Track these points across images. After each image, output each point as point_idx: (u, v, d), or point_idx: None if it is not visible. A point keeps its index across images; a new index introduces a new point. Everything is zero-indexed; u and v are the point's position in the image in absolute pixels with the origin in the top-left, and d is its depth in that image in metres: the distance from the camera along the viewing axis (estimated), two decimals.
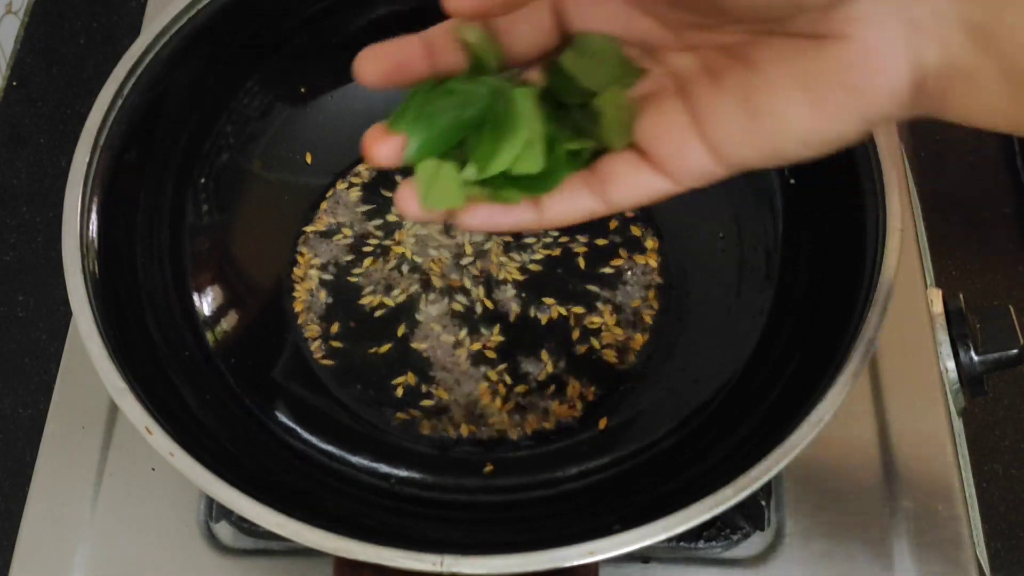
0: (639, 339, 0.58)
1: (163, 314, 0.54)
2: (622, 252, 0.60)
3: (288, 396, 0.56)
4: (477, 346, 0.58)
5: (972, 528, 0.54)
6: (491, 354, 0.57)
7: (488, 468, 0.54)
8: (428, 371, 0.57)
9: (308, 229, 0.61)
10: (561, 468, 0.53)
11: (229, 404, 0.54)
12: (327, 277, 0.60)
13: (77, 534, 0.55)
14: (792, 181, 0.56)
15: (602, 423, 0.55)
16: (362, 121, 0.63)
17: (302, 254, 0.61)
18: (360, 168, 0.63)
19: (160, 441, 0.43)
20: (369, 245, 0.61)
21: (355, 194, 0.62)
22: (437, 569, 0.40)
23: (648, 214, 0.61)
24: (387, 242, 0.61)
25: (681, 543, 0.54)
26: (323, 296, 0.60)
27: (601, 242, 0.60)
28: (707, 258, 0.59)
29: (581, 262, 0.60)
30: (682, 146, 0.33)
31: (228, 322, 0.57)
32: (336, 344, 0.58)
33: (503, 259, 0.60)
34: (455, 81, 0.33)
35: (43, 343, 0.72)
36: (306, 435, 0.54)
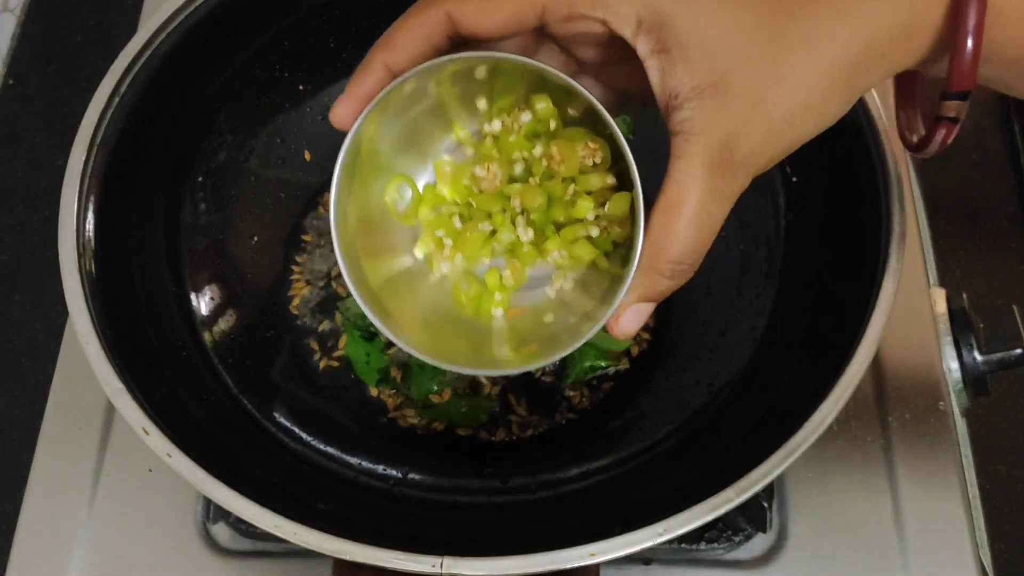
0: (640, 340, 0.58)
1: (160, 314, 0.53)
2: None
3: (286, 397, 0.55)
4: None
5: (976, 529, 0.54)
6: None
7: (488, 469, 0.54)
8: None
9: (307, 227, 0.61)
10: (562, 469, 0.53)
11: (227, 405, 0.53)
12: (326, 277, 0.60)
13: (74, 535, 0.55)
14: (795, 179, 0.56)
15: (603, 424, 0.55)
16: None
17: (301, 253, 0.60)
18: None
19: (157, 442, 0.43)
20: None
21: None
22: (436, 571, 0.40)
23: None
24: None
25: (683, 544, 0.53)
26: (323, 295, 0.59)
27: None
28: (708, 257, 0.58)
29: None
30: None
31: (226, 322, 0.56)
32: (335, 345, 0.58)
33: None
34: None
35: (40, 343, 0.72)
36: (304, 436, 0.54)
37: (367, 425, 0.56)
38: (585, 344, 0.50)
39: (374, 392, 0.57)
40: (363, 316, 0.54)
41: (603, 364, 0.56)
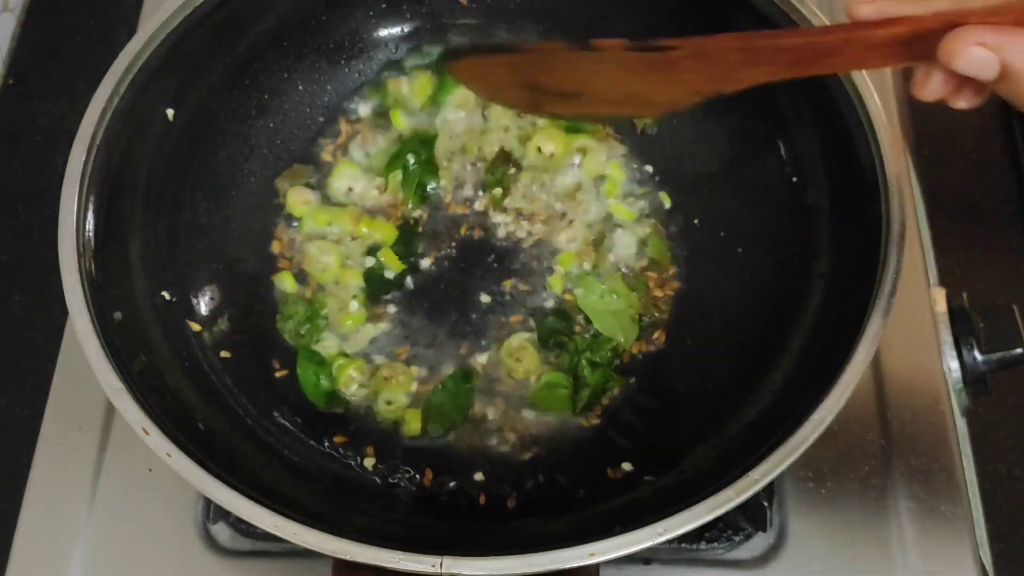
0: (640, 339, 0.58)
1: (160, 314, 0.53)
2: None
3: (286, 397, 0.55)
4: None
5: (976, 529, 0.54)
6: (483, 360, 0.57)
7: (489, 469, 0.54)
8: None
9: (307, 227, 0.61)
10: (563, 470, 0.53)
11: (227, 405, 0.53)
12: (327, 276, 0.60)
13: (74, 535, 0.55)
14: (795, 180, 0.56)
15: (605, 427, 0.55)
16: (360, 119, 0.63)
17: (301, 254, 0.60)
18: None
19: (157, 441, 0.43)
20: (370, 242, 0.61)
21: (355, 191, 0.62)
22: (436, 571, 0.40)
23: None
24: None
25: (683, 544, 0.53)
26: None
27: None
28: (710, 258, 0.59)
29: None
30: None
31: (225, 322, 0.56)
32: None
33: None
34: None
35: (40, 343, 0.72)
36: (304, 436, 0.54)
37: (367, 426, 0.56)
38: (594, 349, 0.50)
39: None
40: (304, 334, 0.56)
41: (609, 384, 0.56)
